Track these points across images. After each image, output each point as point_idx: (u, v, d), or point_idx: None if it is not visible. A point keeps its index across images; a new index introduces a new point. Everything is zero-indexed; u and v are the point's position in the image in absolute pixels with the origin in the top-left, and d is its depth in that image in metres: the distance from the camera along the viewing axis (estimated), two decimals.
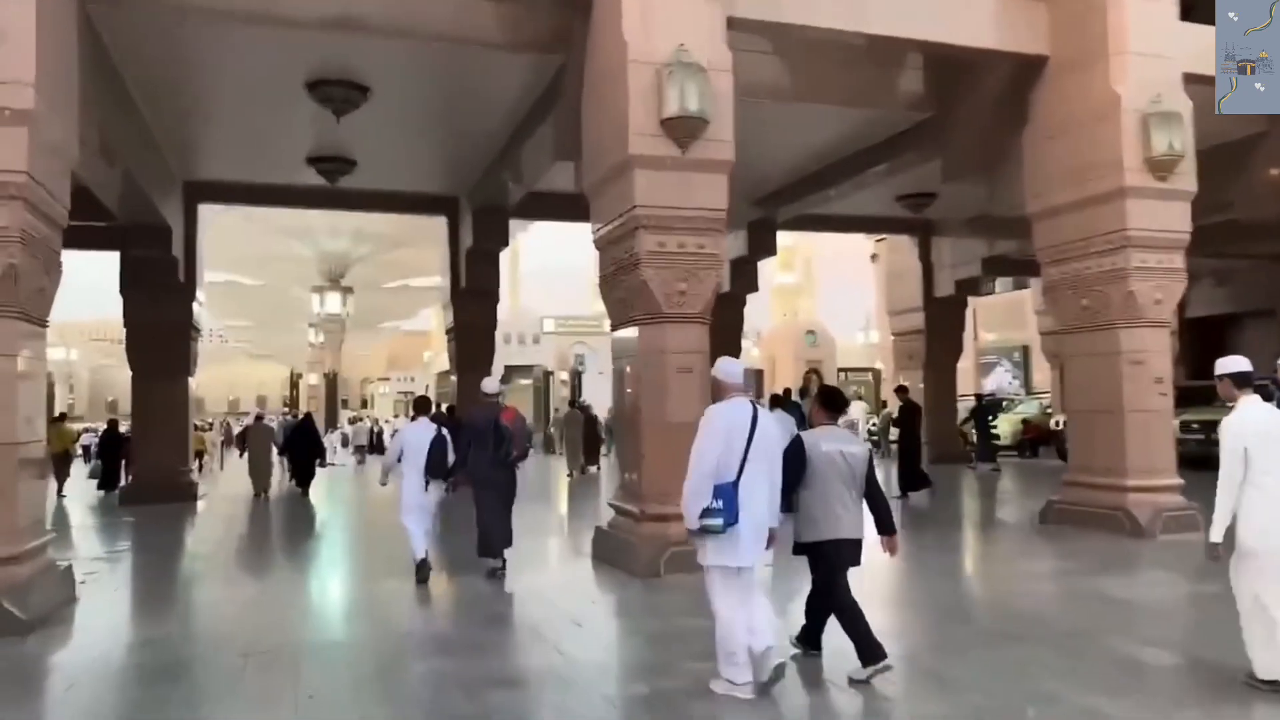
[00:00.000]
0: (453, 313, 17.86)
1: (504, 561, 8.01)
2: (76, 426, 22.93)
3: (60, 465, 18.24)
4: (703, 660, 4.91)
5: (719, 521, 4.41)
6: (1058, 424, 20.36)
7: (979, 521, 12.45)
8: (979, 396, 19.71)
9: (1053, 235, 10.48)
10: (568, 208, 16.72)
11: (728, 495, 4.41)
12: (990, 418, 19.23)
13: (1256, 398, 4.63)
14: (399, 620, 6.65)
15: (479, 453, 7.98)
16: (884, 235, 30.68)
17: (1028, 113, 10.74)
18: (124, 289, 15.39)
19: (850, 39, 9.66)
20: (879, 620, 5.11)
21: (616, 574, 7.98)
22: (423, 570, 7.75)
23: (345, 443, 31.33)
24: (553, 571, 8.77)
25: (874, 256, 37.33)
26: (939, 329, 20.72)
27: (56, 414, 24.90)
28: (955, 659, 5.32)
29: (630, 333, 8.28)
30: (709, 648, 4.76)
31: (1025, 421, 22.45)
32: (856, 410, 32.87)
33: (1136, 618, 6.36)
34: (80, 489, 18.23)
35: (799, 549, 4.96)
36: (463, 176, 15.52)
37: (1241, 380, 4.70)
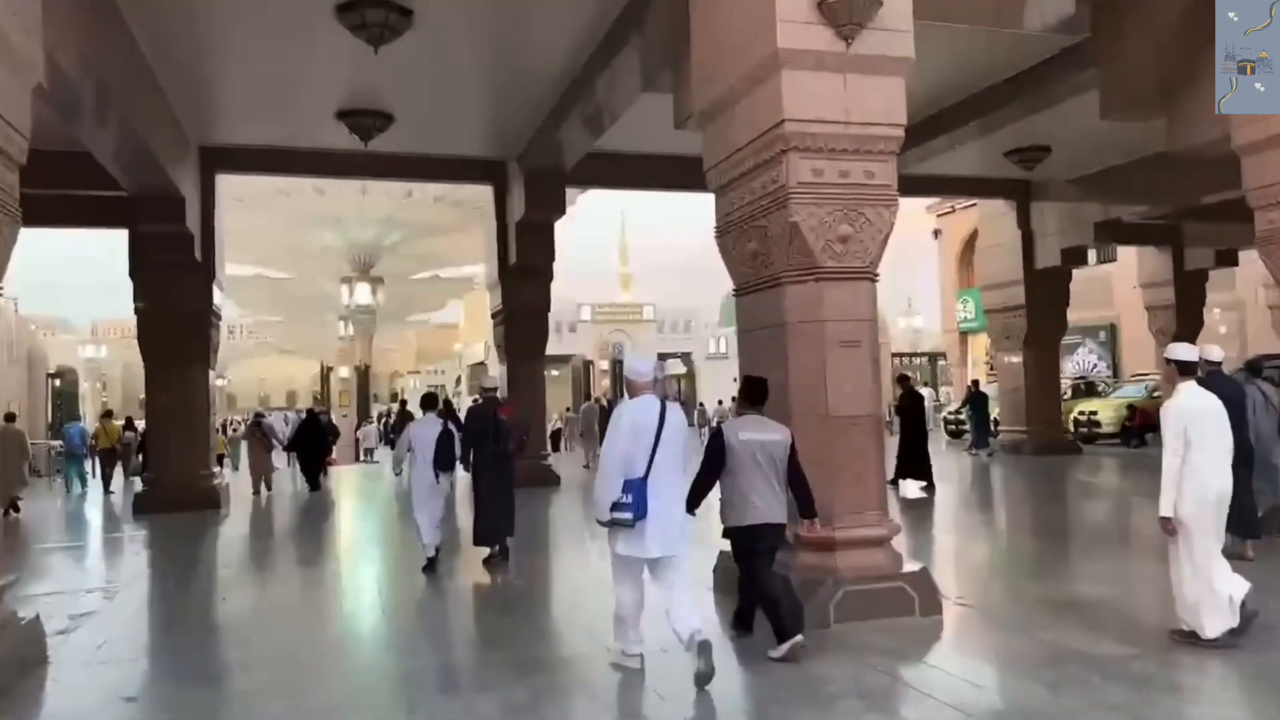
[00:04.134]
0: (501, 293, 15.95)
1: (507, 549, 8.36)
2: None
3: (109, 461, 18.29)
4: None
5: (629, 515, 4.59)
6: None
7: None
8: (974, 383, 20.06)
9: (1272, 171, 8.32)
10: (631, 172, 15.08)
11: (636, 490, 4.60)
12: (984, 405, 19.40)
13: (1193, 383, 5.22)
14: (476, 699, 4.68)
15: (480, 446, 8.28)
16: (957, 204, 28.65)
17: None
18: (134, 270, 13.62)
19: None
20: None
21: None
22: (432, 565, 8.02)
23: (378, 439, 29.88)
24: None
25: (937, 232, 35.08)
26: (1041, 304, 18.41)
27: (103, 410, 23.87)
28: None
29: (768, 297, 6.24)
30: None
31: (1131, 407, 20.14)
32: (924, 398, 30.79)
33: None
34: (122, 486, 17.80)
35: (724, 533, 5.25)
36: (513, 135, 13.57)
37: (1186, 368, 5.28)
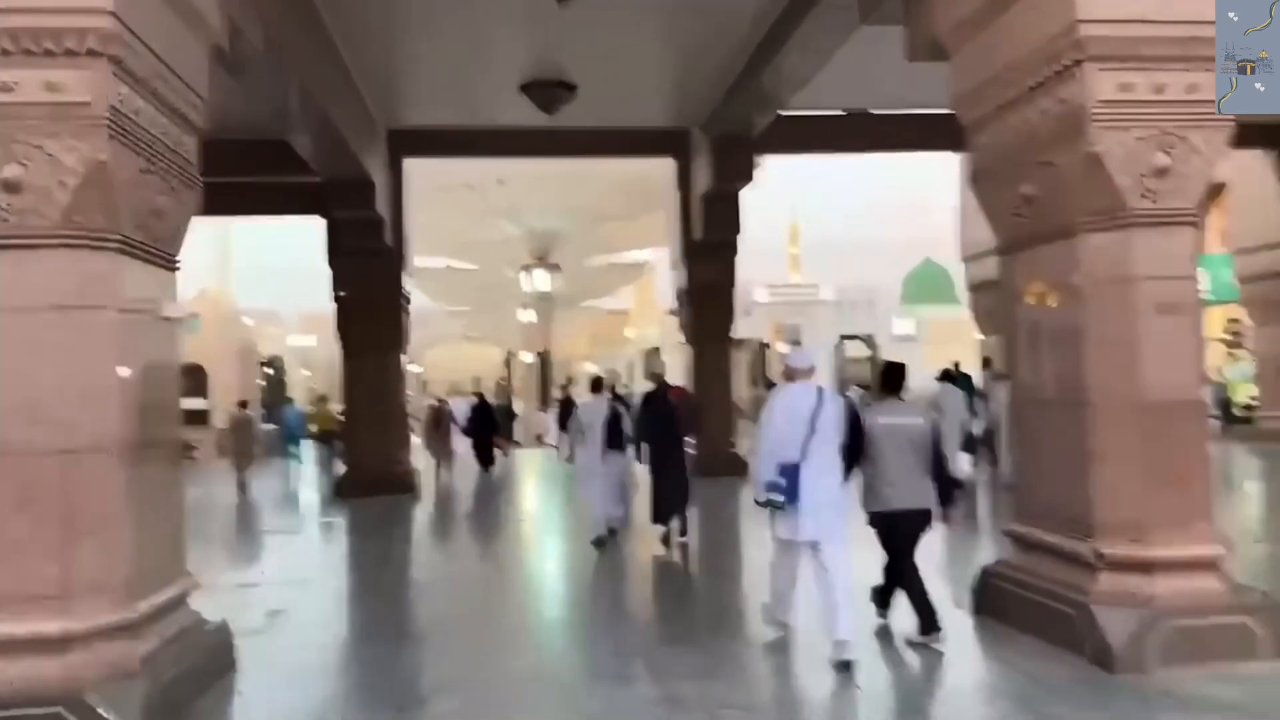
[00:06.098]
0: (686, 271, 15.08)
1: (683, 528, 8.46)
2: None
3: (325, 444, 18.46)
4: None
5: (780, 498, 4.76)
6: None
7: None
8: None
9: None
10: (824, 134, 13.90)
11: (790, 475, 4.73)
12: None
13: None
14: None
15: (653, 429, 8.55)
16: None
17: None
18: (331, 257, 13.74)
19: None
20: None
21: (1040, 656, 4.71)
22: (601, 541, 8.36)
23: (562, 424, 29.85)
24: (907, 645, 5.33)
25: None
26: None
27: (319, 396, 25.12)
28: None
29: (1053, 252, 4.97)
30: None
31: None
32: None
33: None
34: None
35: (868, 520, 5.22)
36: (698, 99, 12.62)
37: None
